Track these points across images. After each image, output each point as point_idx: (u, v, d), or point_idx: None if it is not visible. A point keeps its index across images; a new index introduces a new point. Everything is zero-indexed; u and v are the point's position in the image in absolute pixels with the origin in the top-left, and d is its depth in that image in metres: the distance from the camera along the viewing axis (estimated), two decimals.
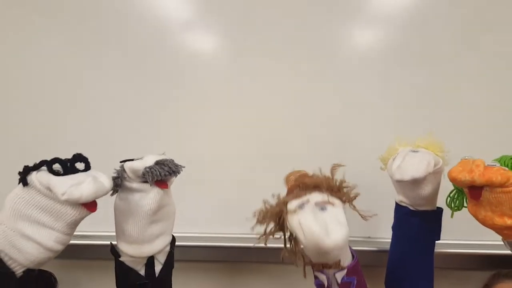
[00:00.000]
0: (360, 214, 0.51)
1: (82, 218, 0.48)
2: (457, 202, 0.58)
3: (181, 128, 0.87)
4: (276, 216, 0.49)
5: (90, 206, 0.47)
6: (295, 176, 0.57)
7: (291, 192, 0.53)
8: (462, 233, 0.76)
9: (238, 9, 0.85)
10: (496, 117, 0.81)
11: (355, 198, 0.50)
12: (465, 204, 0.57)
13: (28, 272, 0.46)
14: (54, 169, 0.45)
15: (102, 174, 0.48)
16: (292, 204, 0.48)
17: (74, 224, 0.48)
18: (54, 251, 0.47)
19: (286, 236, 0.51)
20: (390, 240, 0.67)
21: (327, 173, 0.52)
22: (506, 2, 0.80)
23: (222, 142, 0.86)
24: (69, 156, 0.48)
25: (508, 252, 0.54)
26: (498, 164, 0.49)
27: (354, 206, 0.51)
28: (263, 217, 0.49)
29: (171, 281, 0.60)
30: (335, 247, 0.42)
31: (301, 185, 0.51)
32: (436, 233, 0.62)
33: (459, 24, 0.81)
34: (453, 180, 0.51)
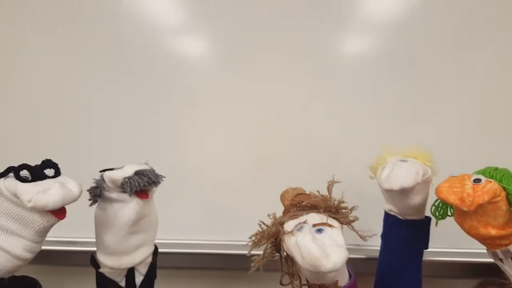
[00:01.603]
0: (359, 235, 0.50)
1: (51, 226, 0.47)
2: (441, 211, 0.59)
3: (167, 133, 0.85)
4: (273, 237, 0.49)
5: (59, 213, 0.46)
6: (291, 194, 0.58)
7: (288, 211, 0.53)
8: (450, 242, 0.76)
9: (228, 13, 0.83)
10: (485, 127, 0.81)
11: (353, 222, 0.50)
12: (449, 213, 0.58)
13: None
14: (22, 175, 0.44)
15: (71, 180, 0.47)
16: (289, 225, 0.48)
17: (43, 231, 0.46)
18: (23, 260, 0.45)
19: (283, 257, 0.50)
20: (379, 248, 0.67)
21: (323, 191, 0.52)
22: (495, 11, 0.80)
23: (209, 147, 0.84)
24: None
25: None
26: (483, 179, 0.50)
27: (353, 227, 0.51)
28: (259, 239, 0.49)
29: None
30: (333, 269, 0.42)
31: (298, 205, 0.51)
32: (424, 242, 0.63)
33: (448, 33, 0.81)
34: (442, 200, 0.51)
